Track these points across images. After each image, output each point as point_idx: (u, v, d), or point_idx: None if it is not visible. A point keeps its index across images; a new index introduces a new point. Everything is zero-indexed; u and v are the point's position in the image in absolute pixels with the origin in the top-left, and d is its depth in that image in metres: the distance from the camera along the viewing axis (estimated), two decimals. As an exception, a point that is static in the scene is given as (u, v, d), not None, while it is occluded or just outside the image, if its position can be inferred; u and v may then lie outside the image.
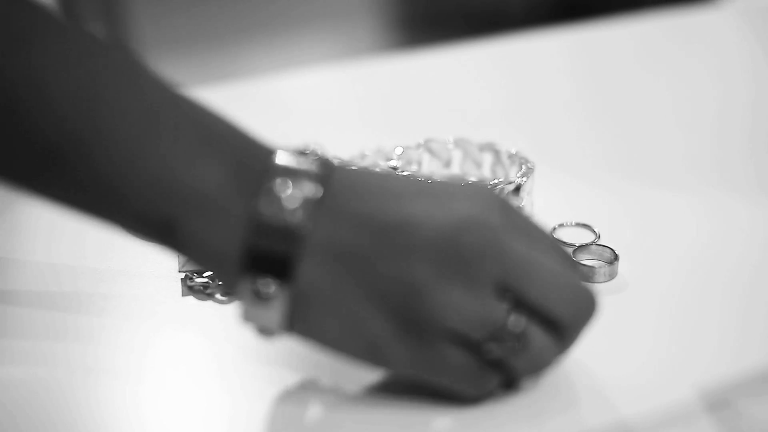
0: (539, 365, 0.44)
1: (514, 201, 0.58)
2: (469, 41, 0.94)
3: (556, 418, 0.46)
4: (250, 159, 0.42)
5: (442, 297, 0.42)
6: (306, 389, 0.47)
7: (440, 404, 0.46)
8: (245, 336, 0.51)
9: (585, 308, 0.45)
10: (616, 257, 0.56)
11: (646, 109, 0.82)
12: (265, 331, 0.44)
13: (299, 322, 0.43)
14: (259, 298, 0.42)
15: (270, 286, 0.41)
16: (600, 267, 0.55)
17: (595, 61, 0.93)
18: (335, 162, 0.44)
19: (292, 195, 0.41)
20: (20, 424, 0.45)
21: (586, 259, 0.57)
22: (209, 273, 0.54)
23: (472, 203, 0.43)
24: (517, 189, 0.59)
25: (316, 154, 0.43)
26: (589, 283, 0.47)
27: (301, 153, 0.43)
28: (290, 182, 0.41)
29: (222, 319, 0.52)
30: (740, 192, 0.66)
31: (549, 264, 0.43)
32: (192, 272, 0.54)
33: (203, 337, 0.51)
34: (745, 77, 0.90)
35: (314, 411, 0.46)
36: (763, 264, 0.58)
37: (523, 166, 0.60)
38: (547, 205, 0.63)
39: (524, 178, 0.59)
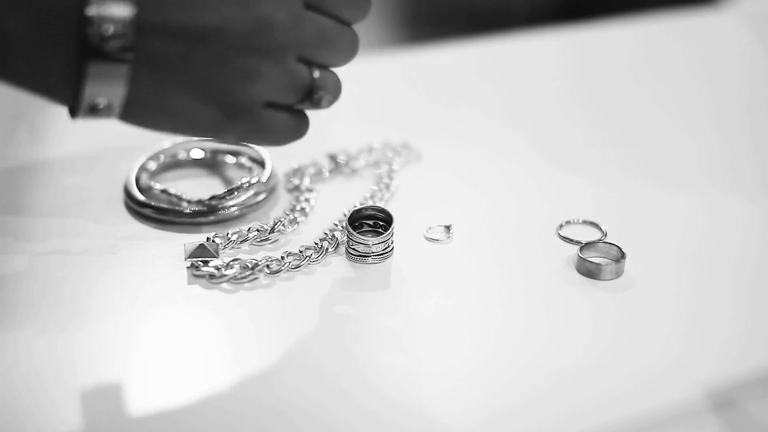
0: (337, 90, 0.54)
1: None
2: (473, 39, 0.94)
3: (560, 415, 0.46)
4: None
5: (257, 80, 0.49)
6: (310, 376, 0.48)
7: (442, 404, 0.46)
8: (252, 324, 0.51)
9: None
10: (622, 255, 0.56)
11: (651, 109, 0.82)
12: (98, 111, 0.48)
13: (132, 117, 0.48)
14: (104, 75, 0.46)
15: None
16: (606, 265, 0.55)
17: (599, 62, 0.93)
18: None
19: (109, 13, 0.45)
20: (22, 407, 0.45)
21: (593, 257, 0.57)
22: (215, 262, 0.54)
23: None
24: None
25: None
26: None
27: None
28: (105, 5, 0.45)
29: (228, 306, 0.52)
30: (746, 193, 0.66)
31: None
32: (199, 261, 0.54)
33: (209, 325, 0.51)
34: (748, 79, 0.90)
35: (315, 395, 0.46)
36: (770, 265, 0.58)
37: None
38: (554, 203, 0.63)
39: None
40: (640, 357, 0.50)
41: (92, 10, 0.45)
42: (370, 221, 0.58)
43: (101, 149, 0.68)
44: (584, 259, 0.56)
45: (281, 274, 0.55)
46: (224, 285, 0.54)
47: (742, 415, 0.46)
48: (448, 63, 0.90)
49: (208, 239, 0.57)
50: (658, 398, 0.47)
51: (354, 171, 0.67)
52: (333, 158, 0.67)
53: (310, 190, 0.64)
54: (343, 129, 0.74)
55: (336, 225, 0.59)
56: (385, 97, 0.83)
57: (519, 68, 0.90)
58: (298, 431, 0.45)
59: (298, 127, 0.53)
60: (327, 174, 0.66)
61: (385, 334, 0.51)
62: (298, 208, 0.61)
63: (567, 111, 0.81)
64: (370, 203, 0.62)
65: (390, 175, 0.66)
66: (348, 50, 0.53)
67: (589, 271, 0.55)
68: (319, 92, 0.52)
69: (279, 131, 0.52)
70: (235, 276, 0.54)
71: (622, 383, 0.48)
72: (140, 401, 0.46)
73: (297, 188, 0.64)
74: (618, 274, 0.55)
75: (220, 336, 0.51)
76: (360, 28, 0.55)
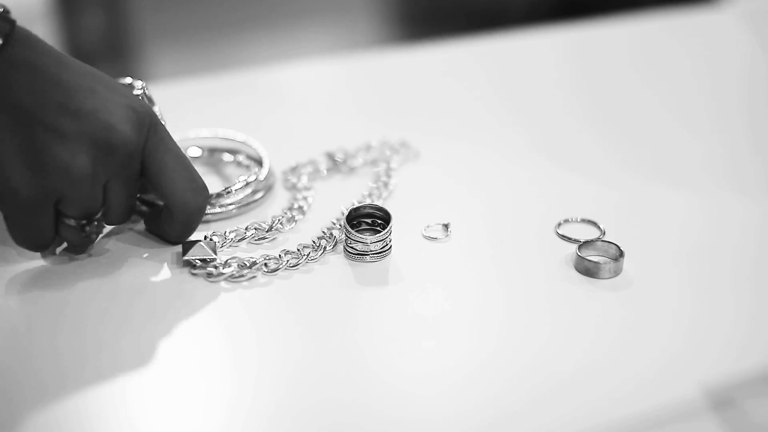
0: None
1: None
2: (470, 37, 0.94)
3: (558, 415, 0.46)
4: None
5: (86, 188, 0.51)
6: (308, 374, 0.47)
7: (441, 404, 0.46)
8: (250, 322, 0.51)
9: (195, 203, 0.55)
10: (621, 254, 0.56)
11: (649, 107, 0.82)
12: None
13: None
14: None
15: None
16: (605, 263, 0.55)
17: (597, 60, 0.93)
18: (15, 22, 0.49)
19: None
20: (21, 413, 0.45)
21: (591, 256, 0.57)
22: (213, 261, 0.54)
23: (126, 114, 0.51)
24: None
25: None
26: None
27: None
28: None
29: (226, 305, 0.52)
30: (745, 191, 0.66)
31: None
32: (196, 259, 0.54)
33: (207, 323, 0.51)
34: (746, 77, 0.90)
35: (312, 394, 0.46)
36: (768, 264, 0.58)
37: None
38: (552, 201, 0.63)
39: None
40: (638, 356, 0.50)
41: None
42: (368, 219, 0.58)
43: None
44: (583, 258, 0.55)
45: (279, 273, 0.55)
46: (222, 283, 0.54)
47: (740, 414, 0.46)
48: (445, 61, 0.90)
49: (205, 238, 0.56)
50: (657, 397, 0.47)
51: (352, 169, 0.67)
52: (331, 156, 0.67)
53: (308, 189, 0.64)
54: (340, 127, 0.74)
55: (334, 223, 0.59)
56: (383, 95, 0.82)
57: (516, 66, 0.90)
58: (296, 430, 0.45)
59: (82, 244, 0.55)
60: (325, 172, 0.66)
61: (382, 332, 0.51)
62: (296, 206, 0.61)
63: (565, 109, 0.81)
64: (368, 201, 0.62)
65: (388, 173, 0.66)
66: (120, 223, 0.55)
67: (588, 270, 0.55)
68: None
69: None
70: (232, 274, 0.54)
71: (620, 382, 0.48)
72: (138, 401, 0.46)
73: (295, 186, 0.64)
74: (616, 272, 0.55)
75: (217, 334, 0.51)
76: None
